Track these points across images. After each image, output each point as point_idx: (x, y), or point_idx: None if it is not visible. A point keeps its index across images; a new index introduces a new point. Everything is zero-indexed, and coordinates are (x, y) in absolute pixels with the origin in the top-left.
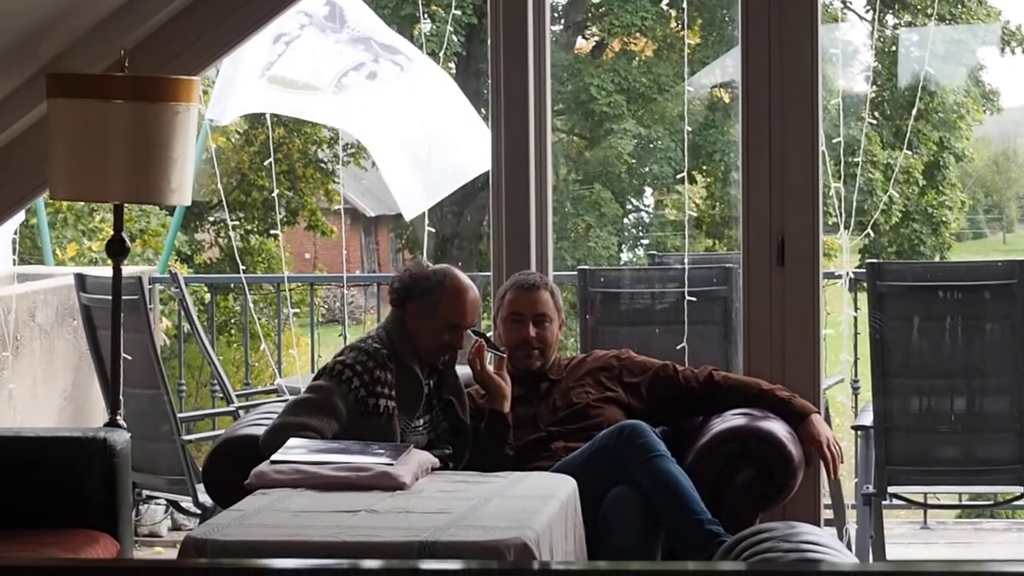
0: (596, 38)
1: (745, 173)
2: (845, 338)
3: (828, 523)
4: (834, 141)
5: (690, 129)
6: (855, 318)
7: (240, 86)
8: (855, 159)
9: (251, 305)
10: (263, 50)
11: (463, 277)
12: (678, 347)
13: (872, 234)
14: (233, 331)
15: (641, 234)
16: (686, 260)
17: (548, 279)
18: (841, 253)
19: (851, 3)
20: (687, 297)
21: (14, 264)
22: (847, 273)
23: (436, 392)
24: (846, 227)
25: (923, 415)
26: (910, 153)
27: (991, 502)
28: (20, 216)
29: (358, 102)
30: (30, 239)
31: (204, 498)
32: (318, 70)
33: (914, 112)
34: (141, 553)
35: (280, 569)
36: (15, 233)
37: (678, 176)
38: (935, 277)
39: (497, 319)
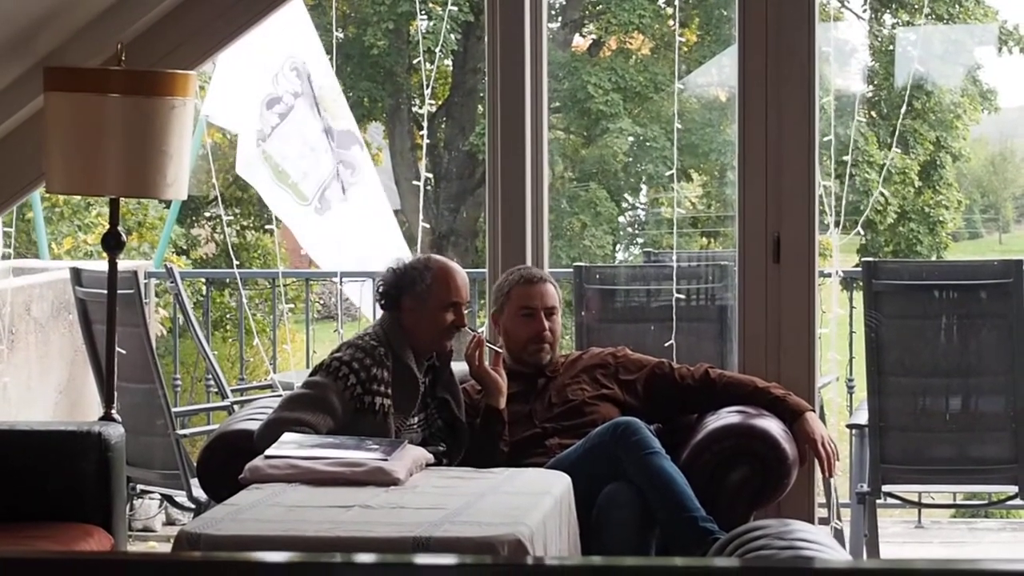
0: (593, 36)
1: (741, 171)
2: (835, 337)
3: (822, 521)
4: (826, 139)
5: (686, 128)
6: (850, 317)
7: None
8: (852, 158)
9: (245, 300)
10: (256, 115)
11: (444, 258)
12: (666, 344)
13: (862, 233)
14: (228, 326)
15: (636, 232)
16: (674, 258)
17: (547, 272)
18: (834, 252)
19: (848, 2)
20: (675, 294)
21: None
22: (836, 272)
23: (431, 390)
24: (836, 225)
25: (918, 414)
26: (899, 151)
27: (985, 502)
28: None
29: (331, 228)
30: (26, 233)
31: (198, 492)
32: (307, 173)
33: (903, 110)
34: (135, 547)
35: (274, 563)
36: (10, 226)
37: (667, 174)
38: (931, 276)
39: (500, 315)
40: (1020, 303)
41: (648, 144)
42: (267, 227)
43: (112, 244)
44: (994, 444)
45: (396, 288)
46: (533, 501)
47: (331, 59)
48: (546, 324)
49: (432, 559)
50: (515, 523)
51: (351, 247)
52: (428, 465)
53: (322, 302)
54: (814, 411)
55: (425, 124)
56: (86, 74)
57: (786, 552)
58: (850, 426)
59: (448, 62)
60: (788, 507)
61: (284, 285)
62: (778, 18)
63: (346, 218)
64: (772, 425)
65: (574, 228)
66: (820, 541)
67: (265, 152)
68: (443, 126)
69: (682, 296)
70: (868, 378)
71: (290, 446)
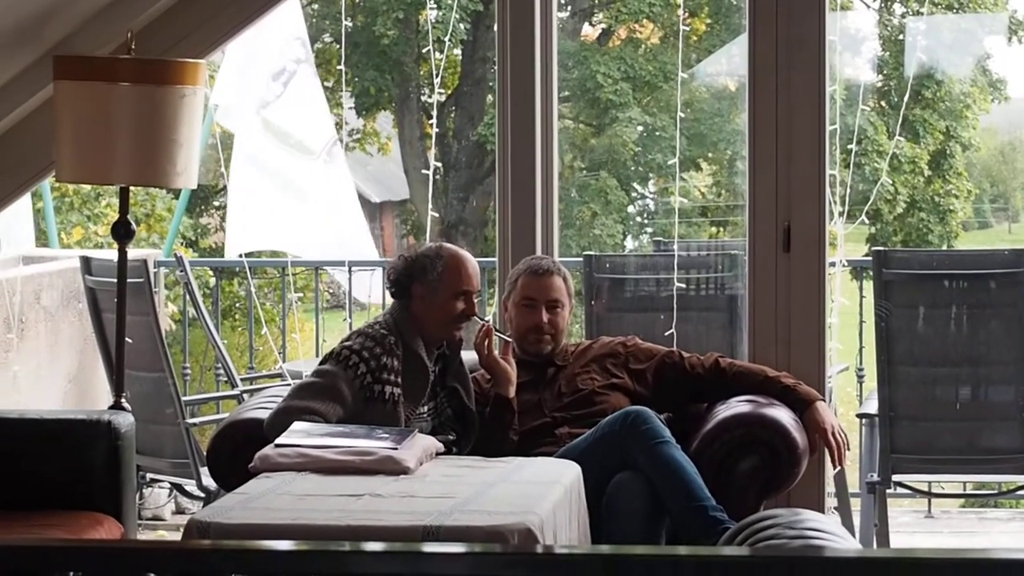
0: (603, 25)
1: (751, 161)
2: (837, 327)
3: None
4: (831, 128)
5: (695, 117)
6: (860, 306)
7: (240, 112)
8: (860, 147)
9: (254, 289)
10: (261, 84)
11: (456, 247)
12: (666, 333)
13: (867, 221)
14: (237, 316)
15: (646, 222)
16: (675, 247)
17: (560, 264)
18: (844, 241)
19: None
20: (676, 283)
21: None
22: (841, 261)
23: (441, 379)
24: (841, 215)
25: (928, 403)
26: (907, 140)
27: (995, 491)
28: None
29: (340, 174)
30: (36, 223)
31: (208, 481)
32: (311, 130)
33: (906, 99)
34: (145, 536)
35: (284, 552)
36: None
37: (670, 163)
38: (941, 265)
39: (508, 303)
40: None
41: (657, 133)
42: None
43: (122, 233)
44: (1004, 434)
45: (407, 276)
46: (543, 490)
47: (341, 48)
48: (545, 317)
49: (442, 548)
50: (525, 512)
51: (319, 234)
52: (438, 454)
53: (331, 291)
54: (824, 400)
55: (434, 113)
56: (96, 63)
57: (796, 541)
58: (860, 415)
59: (457, 51)
60: (798, 496)
61: (293, 274)
62: (788, 7)
63: (346, 183)
64: (782, 414)
65: (584, 217)
66: (830, 530)
67: (266, 120)
68: (452, 115)
69: (683, 285)
70: (878, 367)
71: (300, 435)
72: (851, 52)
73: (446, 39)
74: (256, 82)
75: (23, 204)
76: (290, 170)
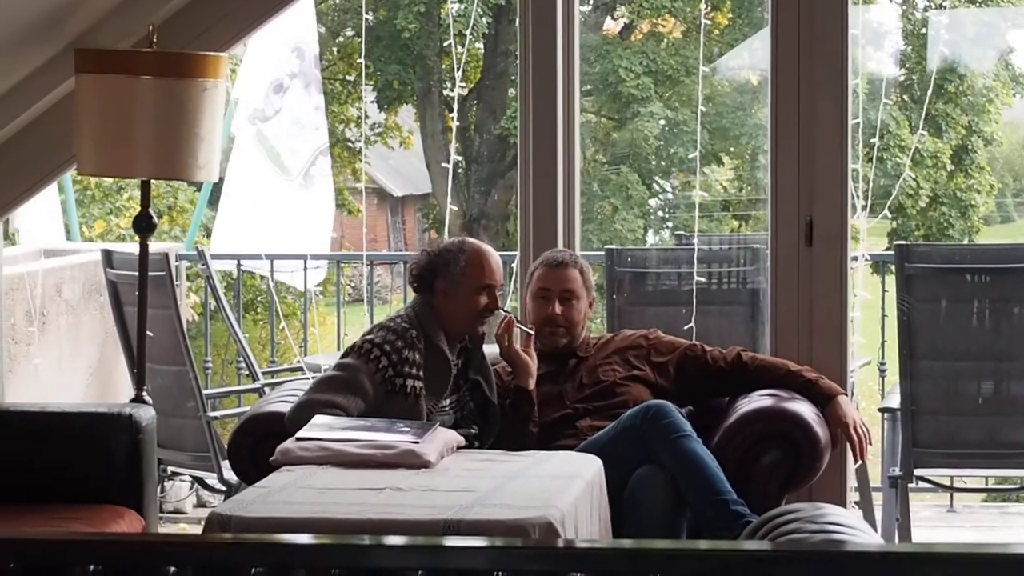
0: (624, 19)
1: (774, 155)
2: (859, 321)
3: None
4: (854, 122)
5: (717, 111)
6: (882, 300)
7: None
8: (882, 142)
9: (272, 283)
10: (261, 96)
11: (478, 241)
12: (686, 327)
13: (890, 216)
14: (259, 309)
15: (667, 216)
16: (695, 241)
17: (578, 257)
18: (866, 236)
19: None
20: (696, 278)
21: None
22: (863, 255)
23: (463, 372)
24: (864, 209)
25: (950, 398)
26: (929, 134)
27: (1017, 486)
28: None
29: (317, 191)
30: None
31: (229, 475)
32: (293, 151)
33: (929, 93)
34: (166, 529)
35: (304, 545)
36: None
37: (691, 157)
38: (963, 260)
39: (527, 296)
40: None
41: (679, 128)
42: None
43: (143, 226)
44: None
45: (430, 271)
46: (564, 484)
47: (362, 42)
48: (558, 308)
49: (462, 542)
50: (546, 506)
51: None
52: (459, 448)
53: (352, 285)
54: (846, 395)
55: (456, 107)
56: (117, 56)
57: (818, 536)
58: (882, 410)
59: (479, 45)
60: (820, 491)
61: (315, 268)
62: (811, 1)
63: (325, 195)
64: (804, 408)
65: (605, 212)
66: (852, 525)
67: (261, 133)
68: (474, 109)
69: (703, 279)
70: (900, 362)
71: (321, 428)
72: (873, 46)
73: (468, 33)
74: (257, 92)
75: (50, 197)
76: (267, 187)
